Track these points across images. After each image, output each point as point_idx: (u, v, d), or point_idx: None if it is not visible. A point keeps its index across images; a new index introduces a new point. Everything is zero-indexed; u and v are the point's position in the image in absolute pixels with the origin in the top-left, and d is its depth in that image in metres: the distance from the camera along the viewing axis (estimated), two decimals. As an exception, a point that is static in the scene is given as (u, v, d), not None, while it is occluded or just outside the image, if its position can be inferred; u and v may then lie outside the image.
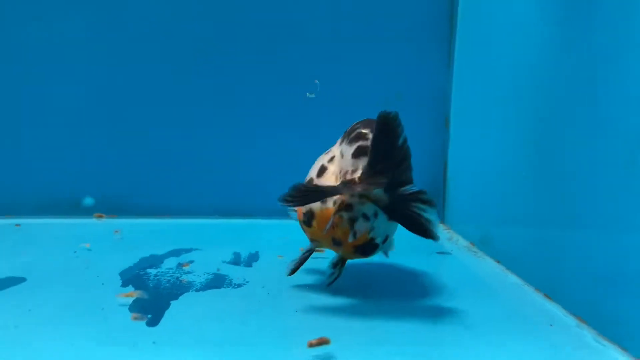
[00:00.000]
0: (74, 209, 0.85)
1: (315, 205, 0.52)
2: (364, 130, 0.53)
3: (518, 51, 0.65)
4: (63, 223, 0.80)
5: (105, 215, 0.84)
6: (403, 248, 0.71)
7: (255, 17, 0.85)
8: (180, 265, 0.62)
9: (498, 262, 0.66)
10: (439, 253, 0.71)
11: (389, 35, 0.87)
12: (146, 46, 0.83)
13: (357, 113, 0.58)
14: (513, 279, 0.61)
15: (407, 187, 0.49)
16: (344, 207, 0.50)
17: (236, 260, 0.64)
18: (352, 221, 0.49)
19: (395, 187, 0.49)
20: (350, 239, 0.50)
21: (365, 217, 0.50)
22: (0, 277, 0.56)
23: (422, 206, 0.49)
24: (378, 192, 0.49)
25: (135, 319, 0.46)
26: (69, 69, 0.82)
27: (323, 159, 0.57)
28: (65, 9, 0.81)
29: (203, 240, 0.73)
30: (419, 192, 0.49)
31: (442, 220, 0.87)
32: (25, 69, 0.81)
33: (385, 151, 0.48)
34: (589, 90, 0.50)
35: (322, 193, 0.49)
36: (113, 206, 0.85)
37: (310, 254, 0.58)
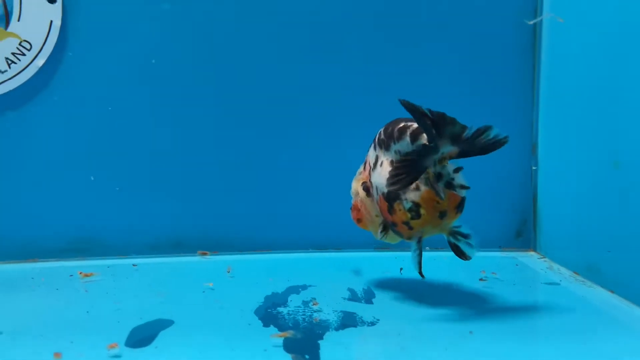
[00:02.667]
0: (176, 247, 0.89)
1: (414, 196, 0.57)
2: (401, 124, 0.60)
3: (605, 72, 0.67)
4: (175, 261, 0.85)
5: (209, 253, 0.88)
6: (509, 279, 0.73)
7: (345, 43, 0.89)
8: (305, 302, 0.65)
9: (612, 292, 0.67)
10: (546, 284, 0.73)
11: (472, 61, 0.90)
12: (244, 88, 0.88)
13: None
14: (638, 311, 0.61)
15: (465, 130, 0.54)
16: (435, 178, 0.56)
17: (354, 297, 0.67)
18: (451, 184, 0.56)
19: (457, 135, 0.54)
20: (461, 195, 0.58)
21: (456, 172, 0.57)
22: (149, 320, 0.59)
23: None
24: (447, 147, 0.55)
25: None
26: (172, 112, 0.87)
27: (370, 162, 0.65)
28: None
29: (311, 275, 0.76)
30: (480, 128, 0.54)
31: (535, 247, 0.89)
32: (138, 110, 0.87)
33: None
34: None
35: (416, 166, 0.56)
36: (212, 242, 0.90)
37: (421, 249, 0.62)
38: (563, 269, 0.78)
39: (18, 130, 0.84)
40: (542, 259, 0.84)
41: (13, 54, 0.81)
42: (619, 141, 0.67)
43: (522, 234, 0.91)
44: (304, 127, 0.88)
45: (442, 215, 0.58)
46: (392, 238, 0.67)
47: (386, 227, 0.65)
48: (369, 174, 0.65)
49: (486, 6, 0.89)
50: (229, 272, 0.78)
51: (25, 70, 0.82)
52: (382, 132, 0.62)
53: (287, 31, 0.87)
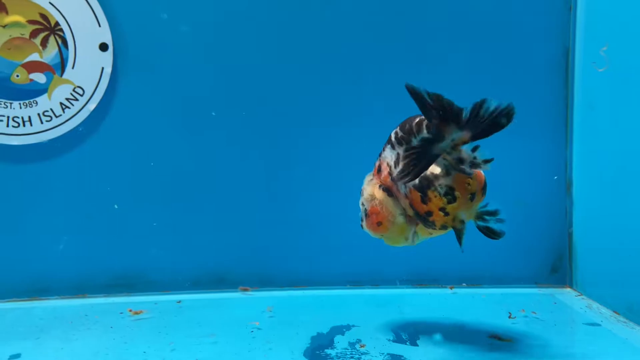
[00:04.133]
0: (218, 283, 0.92)
1: (446, 181, 0.59)
2: (417, 119, 0.61)
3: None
4: (218, 298, 0.87)
5: (250, 288, 0.91)
6: (549, 319, 0.74)
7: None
8: (352, 344, 0.66)
9: (655, 334, 0.68)
10: (587, 324, 0.73)
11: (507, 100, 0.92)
12: (288, 129, 0.91)
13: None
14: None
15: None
16: (457, 163, 0.58)
17: (399, 338, 0.69)
18: (476, 163, 0.58)
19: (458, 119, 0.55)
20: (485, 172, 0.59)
21: (475, 150, 0.58)
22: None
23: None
24: (456, 133, 0.57)
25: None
26: (214, 152, 0.91)
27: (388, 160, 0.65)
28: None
29: (353, 314, 0.77)
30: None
31: (571, 284, 0.90)
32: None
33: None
34: None
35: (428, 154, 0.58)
36: (253, 278, 0.92)
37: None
38: (603, 308, 0.79)
39: (70, 170, 0.87)
40: (580, 297, 0.85)
41: (67, 99, 0.86)
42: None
43: (558, 270, 0.92)
44: (343, 165, 0.91)
45: (472, 197, 0.60)
46: (419, 237, 0.68)
47: (413, 224, 0.66)
48: (389, 173, 0.65)
49: (518, 47, 0.91)
50: (269, 311, 0.80)
51: (78, 114, 0.86)
52: (398, 131, 0.63)
53: (326, 65, 0.90)
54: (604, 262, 0.82)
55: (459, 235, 0.63)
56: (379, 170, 0.66)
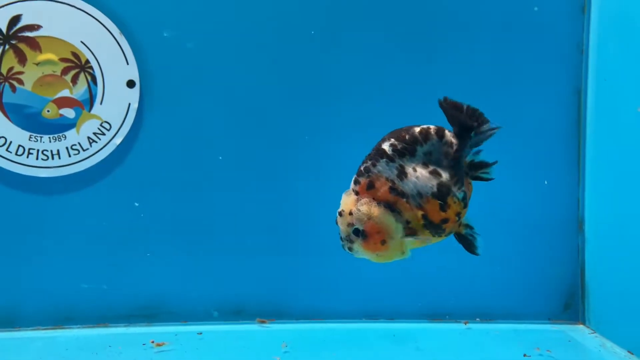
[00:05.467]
0: (236, 315, 0.93)
1: (458, 186, 0.61)
2: (415, 128, 0.63)
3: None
4: (237, 330, 0.89)
5: (268, 320, 0.93)
6: (561, 357, 0.76)
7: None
8: (371, 381, 0.69)
9: (670, 376, 0.69)
10: (601, 364, 0.75)
11: (517, 140, 0.93)
12: (308, 160, 0.93)
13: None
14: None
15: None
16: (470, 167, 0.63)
17: (417, 375, 0.71)
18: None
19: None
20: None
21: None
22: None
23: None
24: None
25: None
26: (233, 186, 0.93)
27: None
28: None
29: (371, 350, 0.79)
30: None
31: (584, 321, 0.91)
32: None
33: None
34: None
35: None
36: (271, 310, 0.94)
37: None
38: (617, 348, 0.80)
39: (95, 202, 0.90)
40: (593, 334, 0.86)
41: (94, 133, 0.89)
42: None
43: (571, 307, 0.93)
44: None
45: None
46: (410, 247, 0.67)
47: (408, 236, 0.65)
48: (390, 188, 0.62)
49: (529, 84, 0.93)
50: (284, 347, 0.81)
51: (104, 148, 0.89)
52: (395, 143, 0.63)
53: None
54: (617, 300, 0.83)
55: (469, 240, 0.64)
56: (370, 187, 0.63)
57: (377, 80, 0.93)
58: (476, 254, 0.64)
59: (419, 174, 0.63)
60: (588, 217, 0.91)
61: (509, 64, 0.93)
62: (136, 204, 0.92)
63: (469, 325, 0.91)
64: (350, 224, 0.62)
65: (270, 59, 0.92)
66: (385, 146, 0.64)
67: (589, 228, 0.91)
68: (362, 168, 0.64)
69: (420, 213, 0.63)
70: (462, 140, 0.62)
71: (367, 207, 0.62)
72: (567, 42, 0.92)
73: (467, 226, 0.65)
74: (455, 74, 0.92)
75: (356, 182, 0.64)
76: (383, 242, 0.63)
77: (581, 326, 0.90)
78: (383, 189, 0.63)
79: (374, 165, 0.64)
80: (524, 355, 0.76)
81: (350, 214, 0.62)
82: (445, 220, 0.63)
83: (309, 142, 0.93)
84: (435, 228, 0.63)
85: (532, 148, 0.96)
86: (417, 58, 0.92)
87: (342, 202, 0.63)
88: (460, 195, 0.62)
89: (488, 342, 0.83)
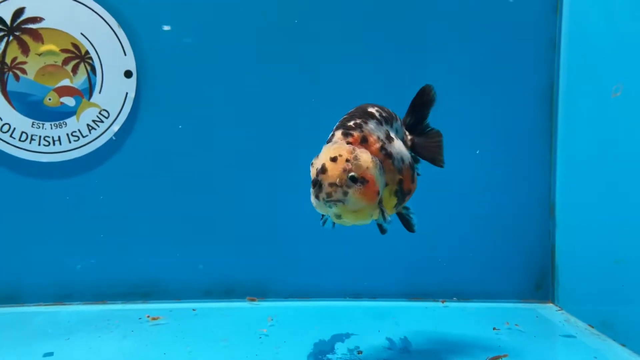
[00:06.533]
0: (228, 294, 0.99)
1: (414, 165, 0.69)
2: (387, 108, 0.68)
3: (616, 138, 0.77)
4: (228, 307, 0.94)
5: (257, 299, 0.98)
6: (530, 330, 0.82)
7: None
8: (351, 350, 0.74)
9: (623, 345, 0.75)
10: (563, 336, 0.81)
11: (494, 126, 1.00)
12: (294, 154, 0.98)
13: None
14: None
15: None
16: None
17: (393, 346, 0.76)
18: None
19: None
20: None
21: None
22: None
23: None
24: None
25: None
26: (227, 176, 0.99)
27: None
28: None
29: (352, 324, 0.84)
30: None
31: (553, 300, 0.97)
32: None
33: None
34: None
35: None
36: (259, 289, 0.99)
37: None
38: (579, 322, 0.86)
39: (93, 186, 0.95)
40: (560, 311, 0.93)
41: (93, 121, 0.94)
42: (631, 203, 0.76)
43: (542, 287, 0.99)
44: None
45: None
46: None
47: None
48: (382, 146, 0.63)
49: (506, 78, 0.98)
50: (269, 320, 0.86)
51: (102, 135, 0.94)
52: (379, 111, 0.66)
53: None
54: (581, 280, 0.89)
55: (406, 219, 0.70)
56: (364, 141, 0.62)
57: (364, 78, 0.98)
58: (413, 231, 0.70)
59: (398, 143, 0.67)
60: (559, 205, 0.97)
61: (488, 59, 0.98)
62: (132, 190, 0.96)
63: (446, 303, 0.97)
64: (345, 170, 0.58)
65: (266, 52, 0.97)
66: (372, 110, 0.66)
67: (560, 215, 0.97)
68: (352, 123, 0.62)
69: (398, 177, 0.65)
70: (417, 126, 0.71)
71: (366, 156, 0.60)
72: (541, 40, 0.98)
73: (405, 207, 0.70)
74: (439, 68, 0.97)
75: (347, 134, 0.61)
76: (378, 192, 0.60)
77: (550, 304, 0.97)
78: (375, 146, 0.62)
79: (365, 122, 0.62)
80: (494, 328, 0.83)
81: (348, 160, 0.58)
82: (409, 192, 0.67)
83: (293, 136, 0.98)
84: (402, 197, 0.66)
85: (507, 139, 1.01)
86: (404, 57, 0.98)
87: (330, 150, 0.59)
88: (418, 173, 0.70)
89: (463, 319, 0.89)
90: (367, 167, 0.59)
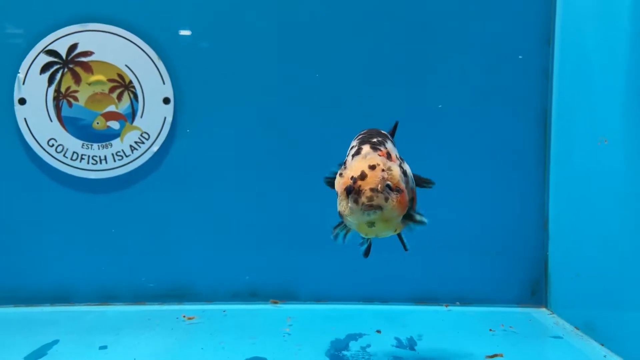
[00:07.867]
0: (252, 296, 1.10)
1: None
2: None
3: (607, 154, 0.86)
4: (254, 309, 1.05)
5: (279, 301, 1.09)
6: (522, 332, 0.92)
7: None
8: (363, 348, 0.85)
9: (602, 345, 0.85)
10: (551, 337, 0.91)
11: (488, 146, 1.10)
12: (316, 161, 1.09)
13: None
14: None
15: None
16: None
17: (401, 345, 0.86)
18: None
19: None
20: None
21: None
22: (248, 357, 0.80)
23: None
24: None
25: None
26: (252, 188, 1.10)
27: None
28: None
29: (364, 326, 0.94)
30: None
31: (546, 305, 1.07)
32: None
33: None
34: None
35: None
36: (281, 293, 1.10)
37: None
38: (567, 325, 0.96)
39: (136, 200, 1.07)
40: (551, 315, 1.03)
41: (135, 142, 1.06)
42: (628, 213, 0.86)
43: (536, 293, 1.09)
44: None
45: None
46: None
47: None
48: (400, 165, 0.65)
49: (504, 102, 1.08)
50: (288, 321, 0.97)
51: (143, 154, 1.06)
52: (389, 135, 0.68)
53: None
54: (570, 287, 0.99)
55: (402, 239, 0.74)
56: (387, 157, 0.62)
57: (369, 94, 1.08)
58: (406, 250, 0.74)
59: (407, 165, 0.71)
60: (552, 218, 1.07)
61: (488, 85, 1.08)
62: (169, 203, 1.07)
63: (450, 307, 1.07)
64: (384, 178, 0.59)
65: (289, 76, 1.08)
66: (384, 132, 0.67)
67: (553, 227, 1.07)
68: (374, 140, 0.63)
69: (410, 196, 0.68)
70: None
71: (397, 169, 0.61)
72: (534, 69, 1.08)
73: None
74: (441, 89, 1.07)
75: (375, 149, 0.61)
76: (407, 204, 0.62)
77: (544, 309, 1.07)
78: (397, 163, 0.63)
79: (383, 142, 0.64)
80: (490, 330, 0.93)
81: (383, 170, 0.59)
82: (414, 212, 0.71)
83: (319, 152, 1.06)
84: (411, 215, 0.67)
85: (505, 158, 1.12)
86: (410, 75, 1.08)
87: (367, 160, 0.60)
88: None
89: (463, 321, 0.99)
90: (400, 179, 0.61)
